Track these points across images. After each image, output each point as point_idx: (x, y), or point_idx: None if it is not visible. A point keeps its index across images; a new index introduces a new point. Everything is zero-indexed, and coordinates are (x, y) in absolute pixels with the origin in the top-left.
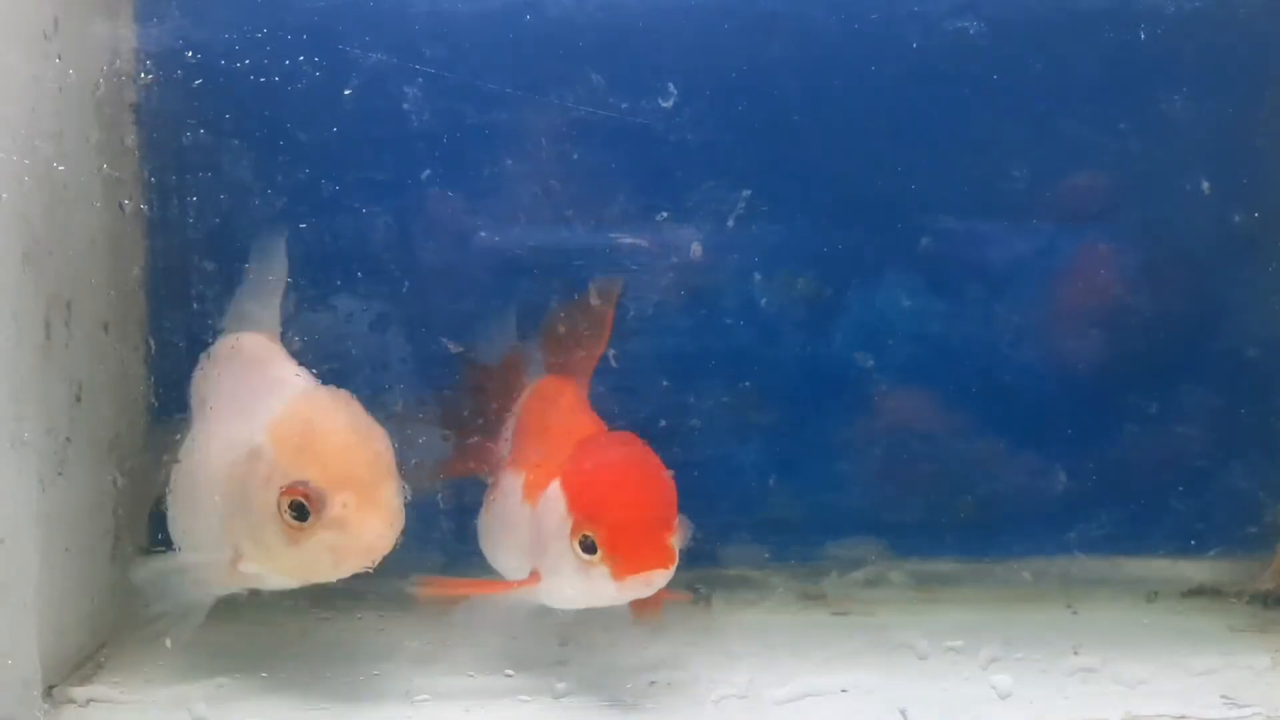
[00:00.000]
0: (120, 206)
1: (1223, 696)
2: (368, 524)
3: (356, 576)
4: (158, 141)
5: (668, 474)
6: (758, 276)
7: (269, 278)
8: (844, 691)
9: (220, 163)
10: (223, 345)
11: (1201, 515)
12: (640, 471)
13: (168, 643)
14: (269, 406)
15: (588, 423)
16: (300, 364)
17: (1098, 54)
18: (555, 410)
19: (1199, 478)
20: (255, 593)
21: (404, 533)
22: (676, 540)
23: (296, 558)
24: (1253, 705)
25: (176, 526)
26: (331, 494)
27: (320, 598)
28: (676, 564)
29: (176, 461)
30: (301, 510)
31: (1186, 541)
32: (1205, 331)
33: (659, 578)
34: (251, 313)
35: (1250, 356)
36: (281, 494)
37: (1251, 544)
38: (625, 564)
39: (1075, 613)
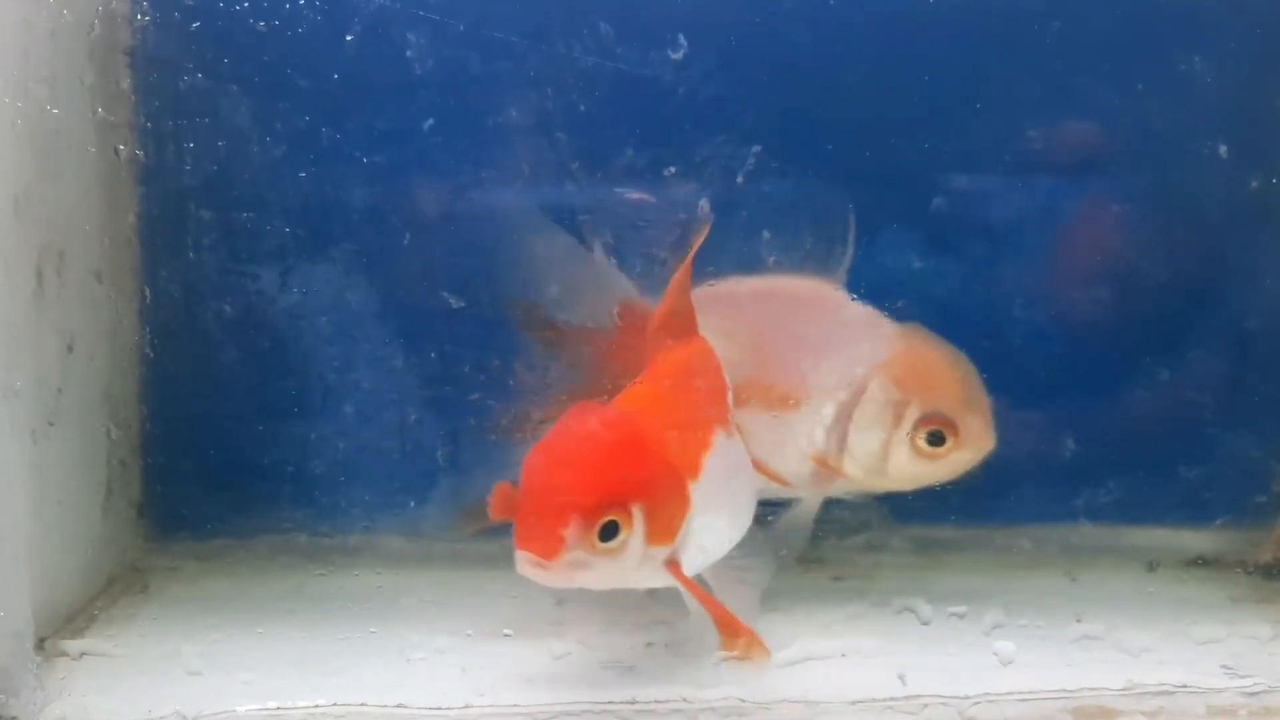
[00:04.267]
0: (115, 152)
1: (1224, 666)
2: (989, 438)
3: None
4: (154, 85)
5: (604, 466)
6: (766, 235)
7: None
8: (844, 656)
9: (218, 108)
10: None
11: (1206, 484)
12: (563, 452)
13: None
14: (871, 347)
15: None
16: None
17: (1113, 9)
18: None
19: (1203, 446)
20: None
21: None
22: (578, 538)
23: (918, 475)
24: (1254, 675)
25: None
26: (963, 419)
27: (317, 554)
28: (581, 567)
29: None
30: (939, 438)
31: (1189, 511)
32: (1215, 296)
33: (536, 568)
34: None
35: (1260, 323)
36: (918, 426)
37: (1255, 514)
38: (516, 537)
39: (1075, 580)
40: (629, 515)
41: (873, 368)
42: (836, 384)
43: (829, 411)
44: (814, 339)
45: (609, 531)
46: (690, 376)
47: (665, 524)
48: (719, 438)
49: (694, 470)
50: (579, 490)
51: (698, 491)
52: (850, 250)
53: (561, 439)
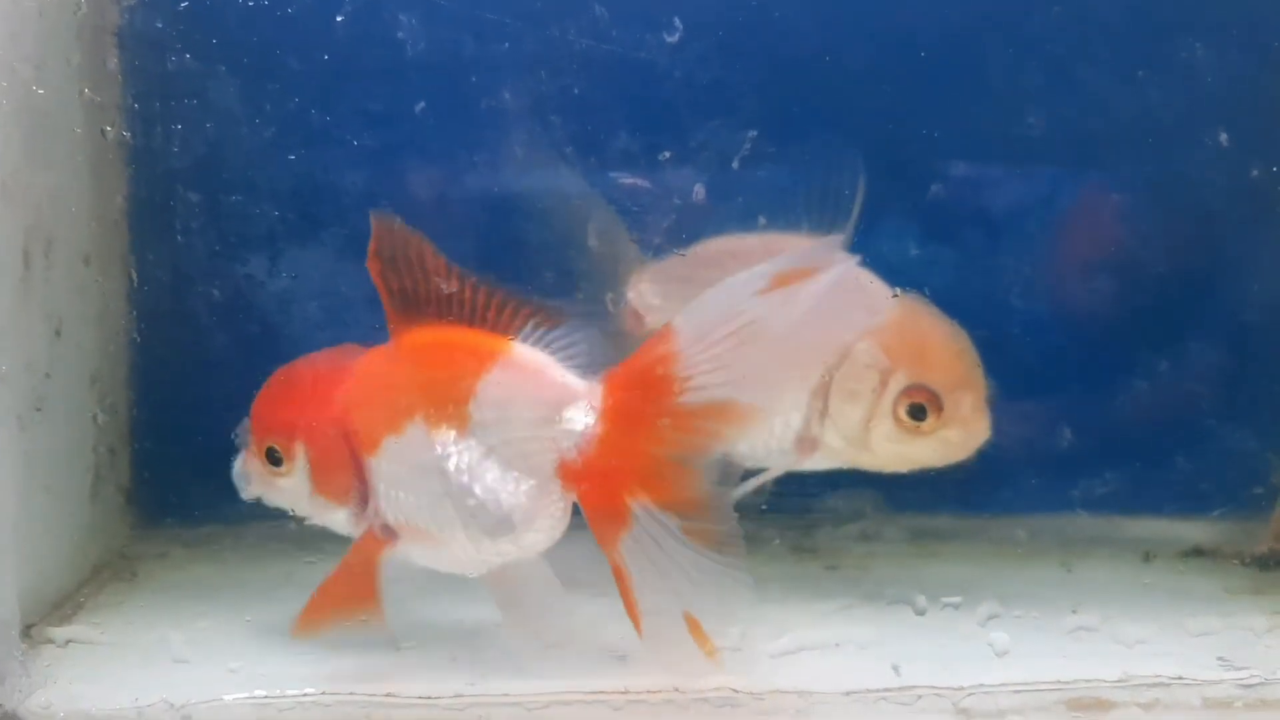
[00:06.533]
0: (102, 133)
1: (1219, 658)
2: (981, 422)
3: None
4: (141, 66)
5: (286, 401)
6: (762, 220)
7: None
8: (838, 646)
9: (206, 89)
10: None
11: (1203, 476)
12: (283, 378)
13: None
14: (864, 312)
15: None
16: None
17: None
18: None
19: (1200, 437)
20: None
21: None
22: (254, 451)
23: (902, 452)
24: (1249, 667)
25: None
26: (950, 396)
27: (306, 541)
28: (263, 483)
29: None
30: (921, 412)
31: (1185, 502)
32: (1213, 288)
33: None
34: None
35: (1259, 314)
36: (901, 397)
37: (1252, 505)
38: None
39: (1070, 571)
40: (291, 451)
41: (862, 332)
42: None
43: (814, 375)
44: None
45: (274, 457)
46: (407, 359)
47: (331, 480)
48: (413, 428)
49: (370, 446)
50: (262, 410)
51: (378, 469)
52: (856, 211)
53: (295, 368)
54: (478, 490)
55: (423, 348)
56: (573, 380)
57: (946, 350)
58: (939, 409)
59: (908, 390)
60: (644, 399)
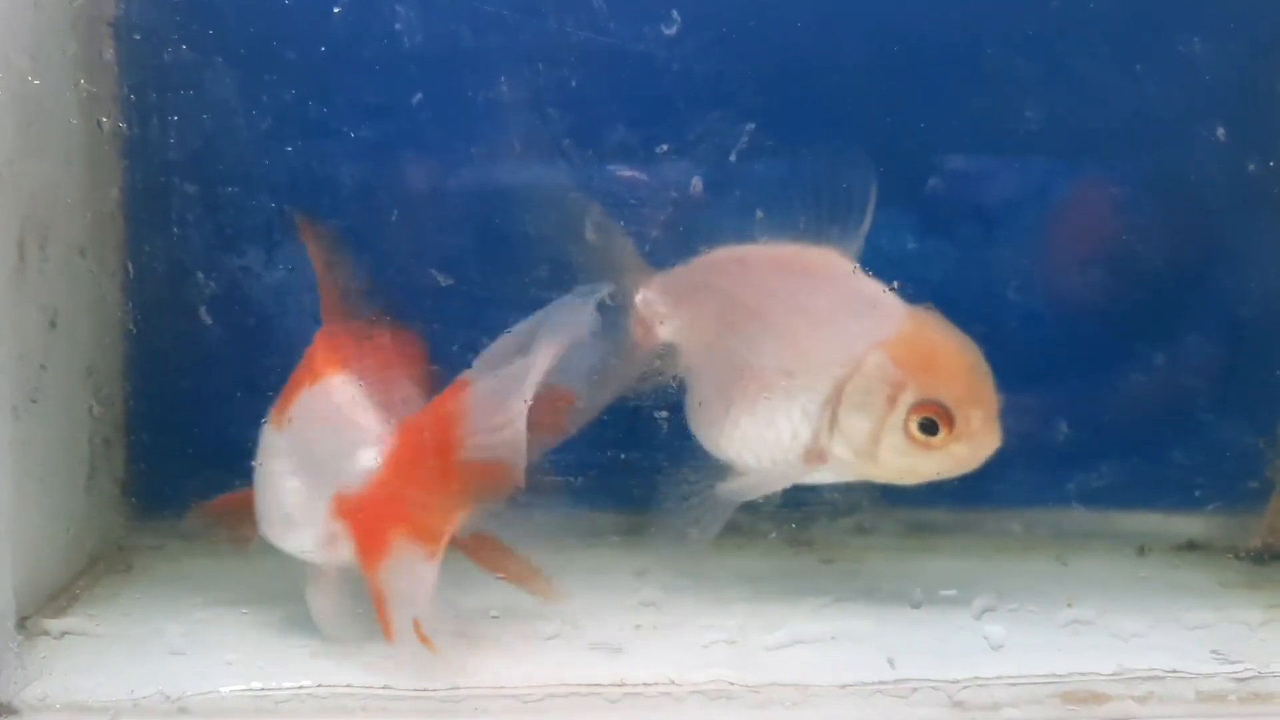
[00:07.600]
0: (98, 124)
1: (1213, 652)
2: (991, 437)
3: None
4: (137, 57)
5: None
6: (760, 214)
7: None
8: (833, 639)
9: (202, 80)
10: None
11: (1198, 469)
12: None
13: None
14: (875, 324)
15: None
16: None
17: None
18: None
19: (1195, 431)
20: None
21: None
22: None
23: (910, 466)
24: (1243, 661)
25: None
26: (962, 411)
27: None
28: None
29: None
30: (932, 427)
31: (1180, 496)
32: (1209, 281)
33: None
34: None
35: (1254, 308)
36: (912, 411)
37: (1246, 499)
38: None
39: (1065, 565)
40: None
41: (873, 344)
42: (835, 358)
43: (824, 386)
44: (818, 310)
45: None
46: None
47: None
48: (275, 412)
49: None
50: None
51: None
52: (868, 220)
53: None
54: (269, 481)
55: (312, 345)
56: (370, 423)
57: (958, 364)
58: (950, 424)
59: (918, 405)
60: (425, 452)
